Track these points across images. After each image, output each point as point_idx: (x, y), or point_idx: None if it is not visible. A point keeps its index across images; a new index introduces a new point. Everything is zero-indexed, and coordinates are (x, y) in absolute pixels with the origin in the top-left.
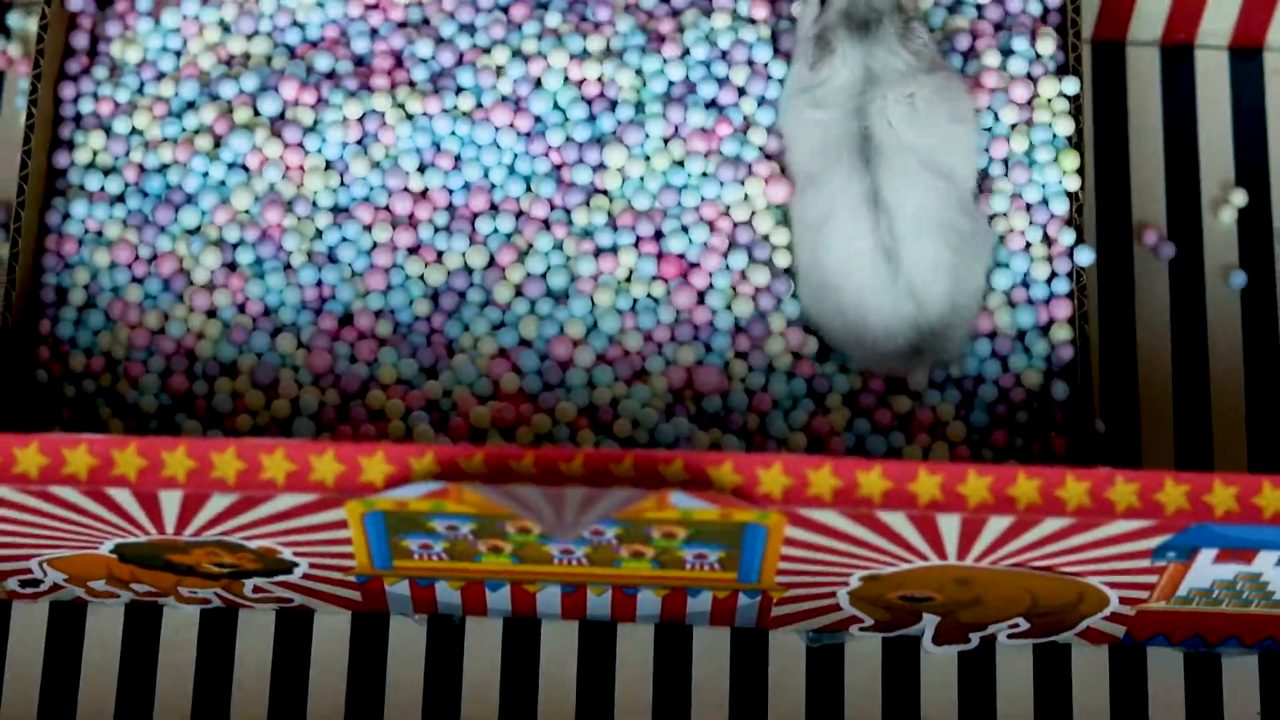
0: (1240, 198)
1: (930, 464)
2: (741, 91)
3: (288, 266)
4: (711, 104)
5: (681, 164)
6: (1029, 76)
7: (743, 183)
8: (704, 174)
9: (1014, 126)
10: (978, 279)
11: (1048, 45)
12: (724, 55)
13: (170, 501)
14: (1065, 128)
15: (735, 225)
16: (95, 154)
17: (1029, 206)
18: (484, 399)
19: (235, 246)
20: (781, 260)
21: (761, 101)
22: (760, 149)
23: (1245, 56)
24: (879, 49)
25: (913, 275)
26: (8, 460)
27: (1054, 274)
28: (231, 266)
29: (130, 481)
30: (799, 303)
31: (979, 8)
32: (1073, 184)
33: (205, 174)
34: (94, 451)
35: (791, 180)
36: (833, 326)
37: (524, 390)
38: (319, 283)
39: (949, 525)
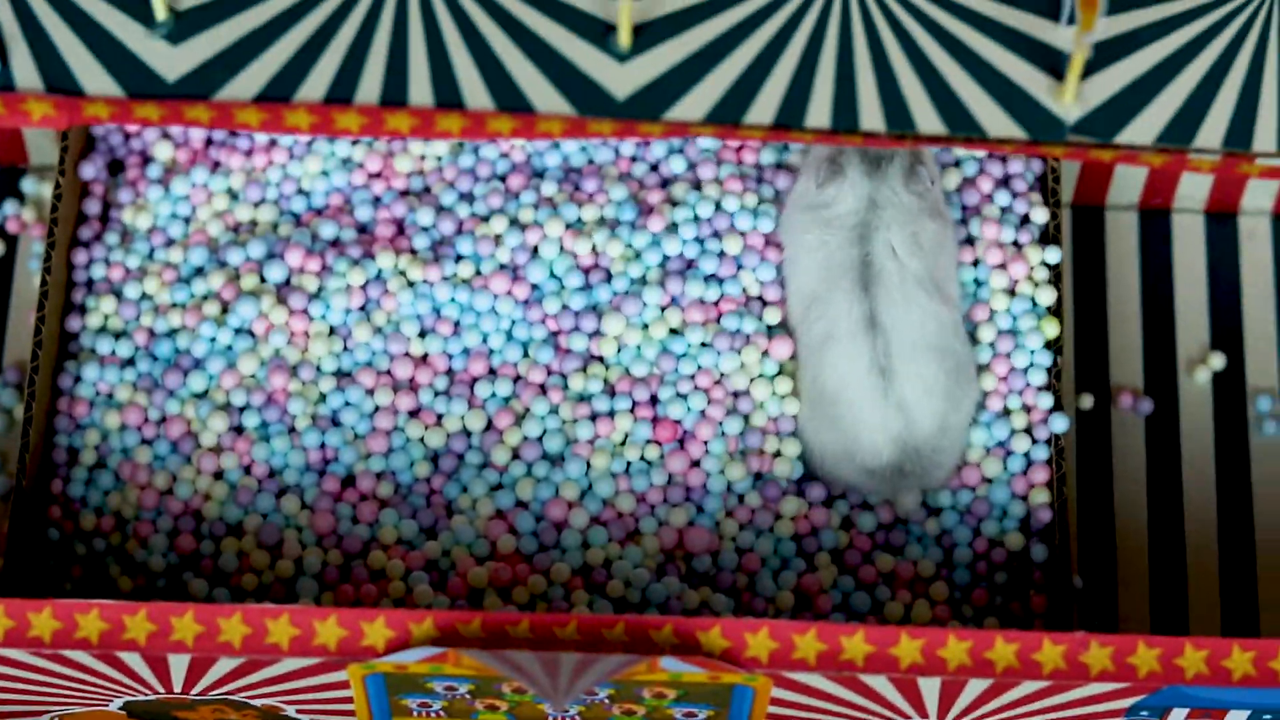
0: (1219, 360)
1: (911, 628)
2: (739, 264)
3: (292, 430)
4: (711, 277)
5: (679, 332)
6: (1015, 244)
7: (739, 351)
8: (702, 344)
9: (997, 291)
10: (968, 405)
11: (1040, 214)
12: (716, 233)
13: (179, 663)
14: (1047, 297)
15: (734, 394)
16: (106, 318)
17: (1010, 371)
18: (482, 559)
19: (241, 410)
20: (785, 426)
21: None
22: (759, 319)
23: (1221, 220)
24: (885, 185)
25: (904, 392)
26: (22, 624)
27: (1033, 439)
28: (238, 430)
29: (140, 645)
30: (798, 421)
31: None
32: (1045, 359)
33: (213, 339)
34: (105, 616)
35: (787, 297)
36: (825, 442)
37: (520, 551)
38: (322, 445)
39: (930, 687)
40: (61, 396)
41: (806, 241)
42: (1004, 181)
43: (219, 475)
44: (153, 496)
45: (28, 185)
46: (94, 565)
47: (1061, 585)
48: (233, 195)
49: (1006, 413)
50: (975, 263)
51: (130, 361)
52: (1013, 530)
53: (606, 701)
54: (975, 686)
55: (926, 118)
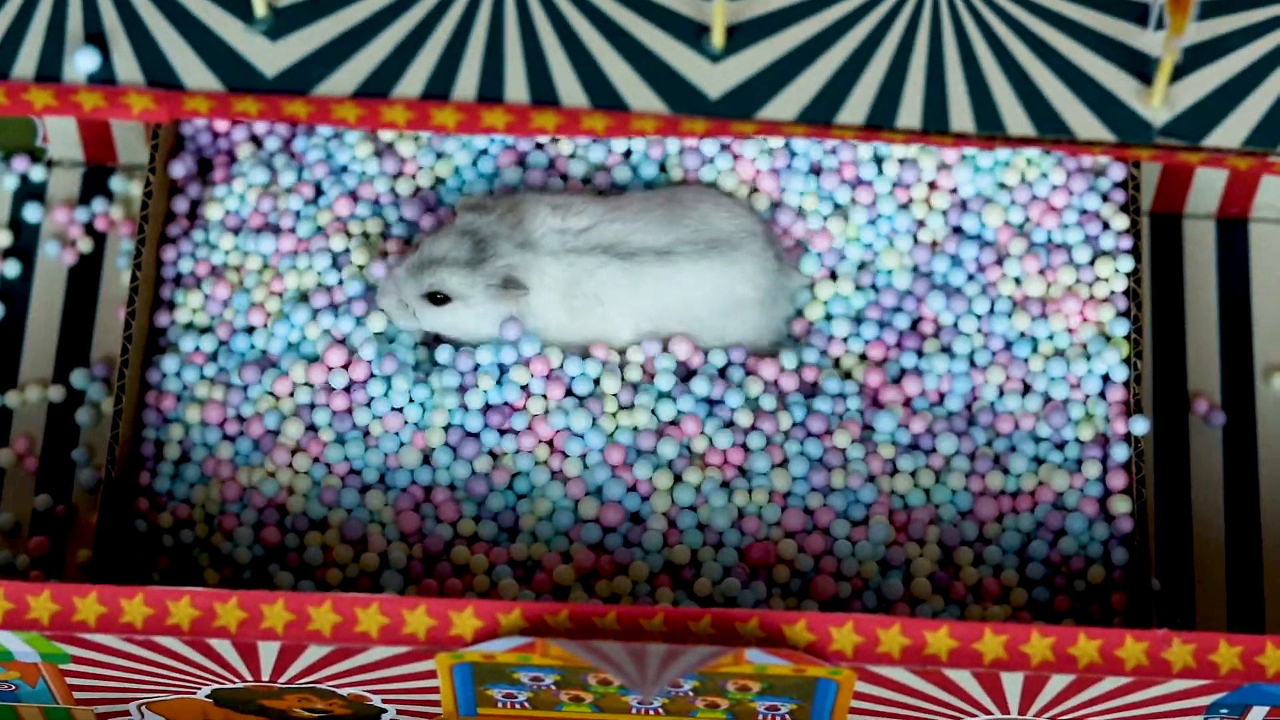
0: None
1: (995, 624)
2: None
3: (366, 433)
4: None
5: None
6: (1094, 251)
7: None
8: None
9: (1076, 298)
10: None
11: (1120, 221)
12: None
13: (268, 651)
14: (1124, 304)
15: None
16: (194, 313)
17: (1087, 374)
18: (566, 556)
19: (312, 408)
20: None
21: None
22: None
23: None
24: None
25: (721, 228)
26: (114, 610)
27: (1111, 444)
28: (313, 428)
29: (231, 633)
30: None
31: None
32: (1122, 366)
33: (290, 341)
34: (197, 604)
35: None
36: (757, 327)
37: (605, 546)
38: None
39: (1012, 682)
40: (149, 391)
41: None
42: (1084, 190)
43: (302, 470)
44: (236, 489)
45: (115, 183)
46: (181, 557)
47: (1141, 588)
48: (319, 191)
49: (1088, 417)
50: (1055, 276)
51: (214, 356)
52: (1093, 535)
53: (691, 694)
54: (1057, 682)
55: (1016, 119)
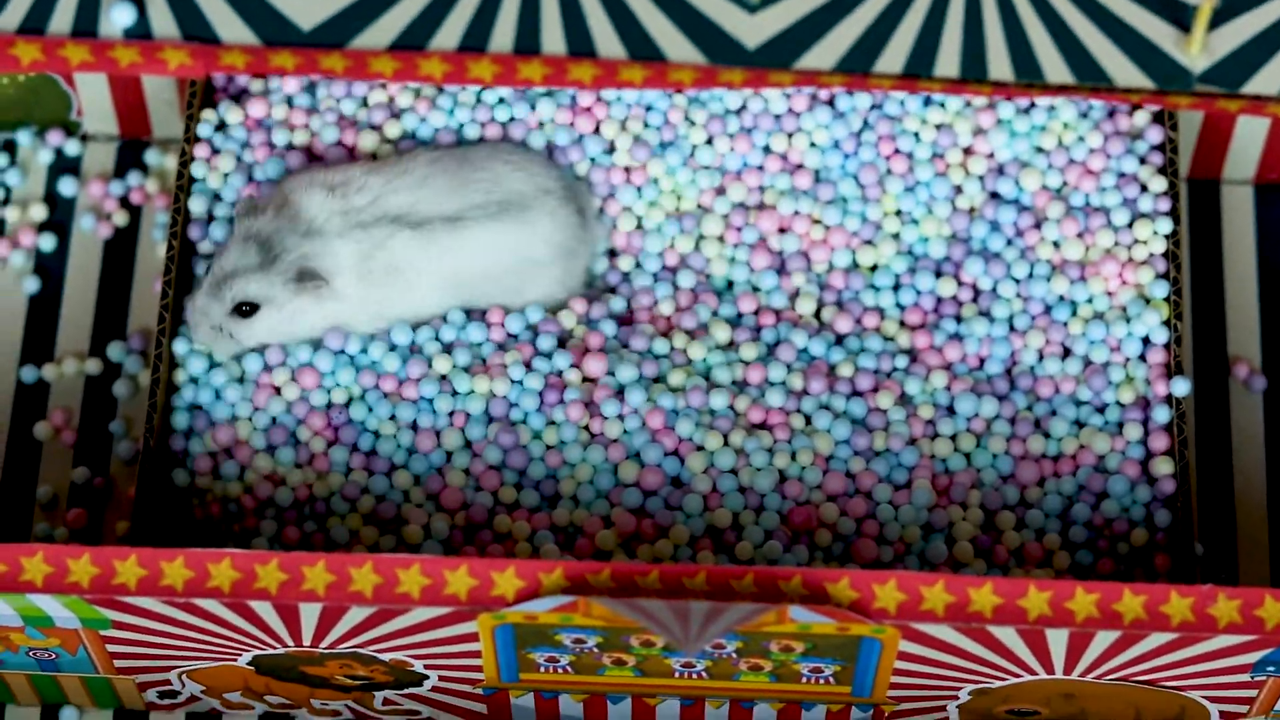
0: None
1: (1039, 580)
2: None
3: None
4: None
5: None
6: (1131, 218)
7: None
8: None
9: (1114, 261)
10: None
11: (1158, 184)
12: None
13: (309, 614)
14: (1163, 266)
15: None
16: None
17: (1127, 336)
18: (607, 521)
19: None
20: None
21: None
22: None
23: None
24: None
25: (515, 189)
26: (155, 573)
27: (1152, 406)
28: (345, 404)
29: (272, 595)
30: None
31: (1097, 144)
32: (1162, 330)
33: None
34: (237, 565)
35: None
36: (552, 281)
37: (646, 509)
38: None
39: (1057, 640)
40: (182, 362)
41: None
42: (1121, 153)
43: (334, 443)
44: (268, 462)
45: (150, 156)
46: (214, 531)
47: (1184, 551)
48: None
49: (1128, 380)
50: (1094, 239)
51: None
52: (1135, 497)
53: (734, 656)
54: (1103, 639)
55: (1054, 67)
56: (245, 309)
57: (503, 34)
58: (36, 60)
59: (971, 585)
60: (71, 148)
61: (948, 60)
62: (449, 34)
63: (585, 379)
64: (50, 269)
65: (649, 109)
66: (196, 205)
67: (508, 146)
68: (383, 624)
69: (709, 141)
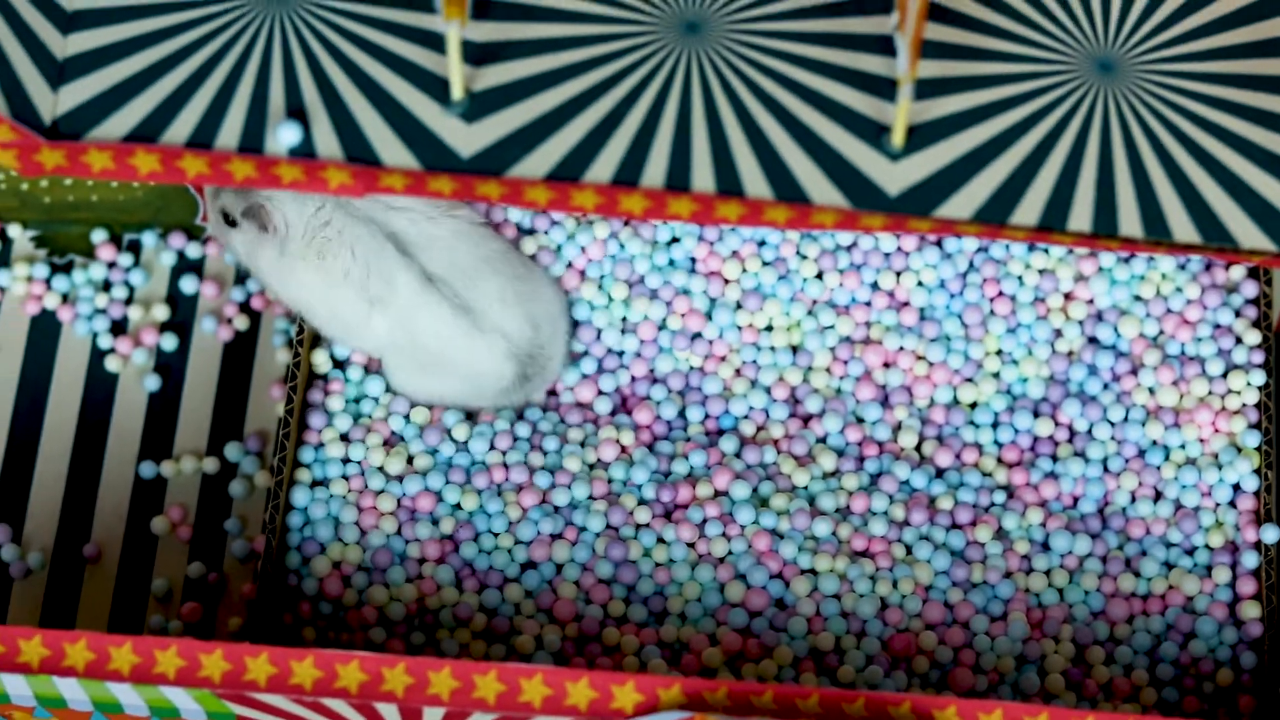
0: None
1: (1139, 716)
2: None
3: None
4: None
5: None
6: (1226, 369)
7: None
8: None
9: (1207, 411)
10: (548, 297)
11: (1253, 336)
12: None
13: (432, 717)
14: (1255, 417)
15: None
16: (346, 401)
17: (1218, 482)
18: (713, 639)
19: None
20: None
21: None
22: None
23: None
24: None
25: (490, 315)
26: (284, 671)
27: (1240, 551)
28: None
29: (398, 697)
30: (409, 390)
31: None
32: (1252, 482)
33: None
34: (365, 668)
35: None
36: (452, 391)
37: (752, 631)
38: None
39: None
40: (300, 468)
41: (313, 271)
42: (1217, 305)
43: (442, 560)
44: (381, 577)
45: None
46: (323, 638)
47: (1269, 693)
48: None
49: (1218, 525)
50: (1175, 382)
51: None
52: (1222, 639)
53: None
54: None
55: (1181, 226)
56: (228, 219)
57: (654, 170)
58: (249, 176)
59: (1072, 717)
60: (193, 250)
61: (1081, 215)
62: (603, 167)
63: (696, 499)
64: (171, 368)
65: (761, 244)
66: None
67: (551, 291)
68: None
69: (819, 276)
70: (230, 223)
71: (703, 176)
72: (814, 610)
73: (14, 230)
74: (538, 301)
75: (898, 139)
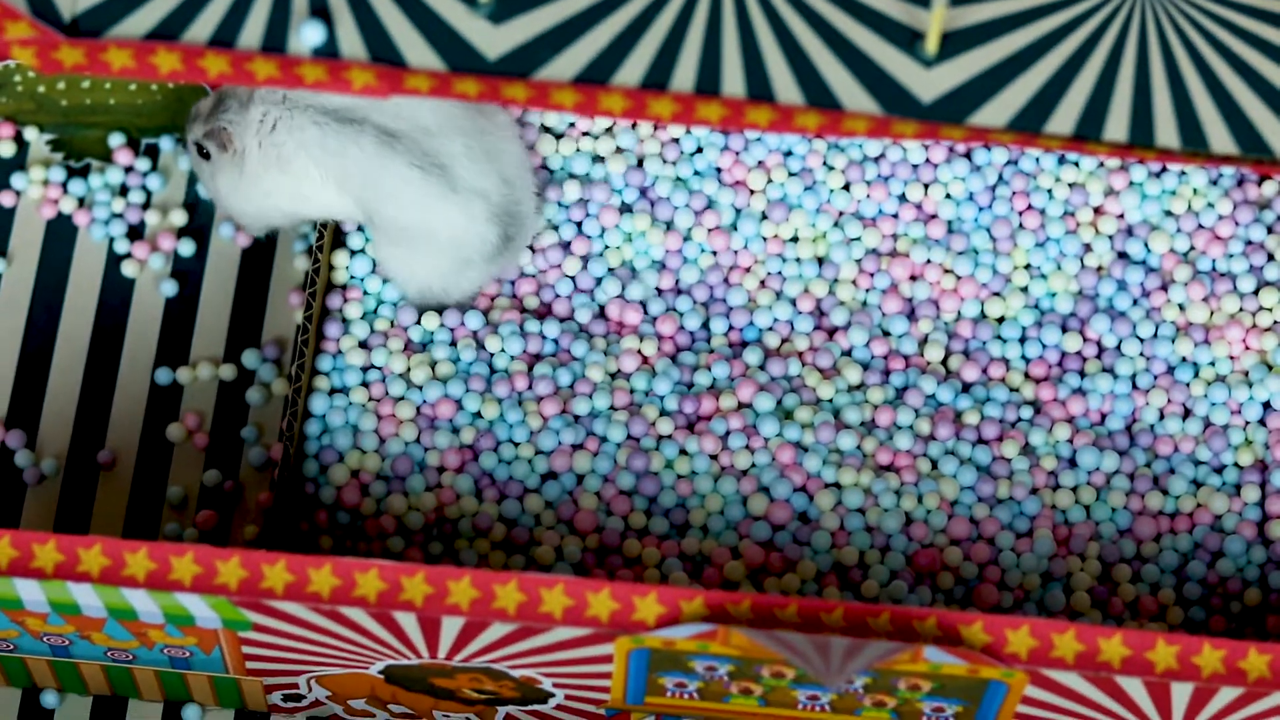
0: None
1: (1168, 634)
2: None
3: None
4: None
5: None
6: (1257, 285)
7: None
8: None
9: (1240, 327)
10: (513, 150)
11: None
12: None
13: (450, 627)
14: None
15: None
16: (365, 307)
17: (1248, 400)
18: (735, 552)
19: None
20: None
21: None
22: None
23: None
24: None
25: (461, 173)
26: (302, 580)
27: (1270, 470)
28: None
29: (417, 607)
30: (396, 279)
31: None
32: None
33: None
34: (384, 576)
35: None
36: (437, 268)
37: (774, 543)
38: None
39: (1181, 693)
40: (319, 375)
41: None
42: (1250, 220)
43: (462, 469)
44: (400, 484)
45: None
46: (339, 546)
47: None
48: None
49: (1248, 443)
50: (1206, 298)
51: (370, 347)
52: (1251, 558)
53: (860, 691)
54: (1225, 695)
55: (1219, 137)
56: (203, 150)
57: (684, 74)
58: (272, 75)
59: (1102, 635)
60: None
61: (1116, 125)
62: (631, 71)
63: (719, 409)
64: (188, 274)
65: (788, 154)
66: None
67: (514, 136)
68: (520, 641)
69: (846, 187)
70: (204, 155)
71: (733, 81)
72: (838, 524)
73: (30, 133)
74: (505, 155)
75: (931, 45)
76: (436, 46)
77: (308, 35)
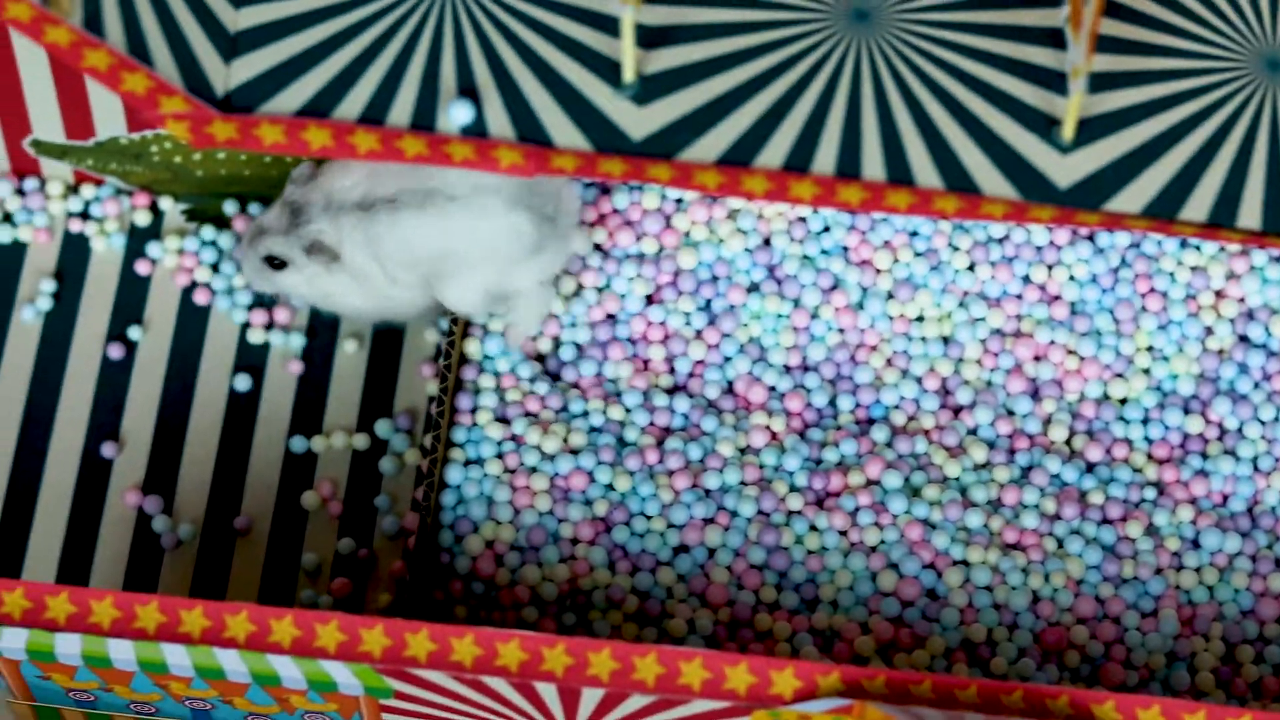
0: None
1: None
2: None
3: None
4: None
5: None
6: None
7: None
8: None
9: None
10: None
11: None
12: None
13: (590, 697)
14: None
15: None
16: (499, 377)
17: None
18: (865, 627)
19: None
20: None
21: None
22: None
23: None
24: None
25: (461, 184)
26: (444, 649)
27: None
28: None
29: (557, 677)
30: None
31: None
32: None
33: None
34: (525, 647)
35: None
36: (494, 281)
37: (903, 619)
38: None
39: None
40: (454, 447)
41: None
42: None
43: (594, 542)
44: (534, 556)
45: None
46: (474, 616)
47: None
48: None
49: None
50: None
51: (504, 419)
52: None
53: None
54: None
55: None
56: (275, 262)
57: (825, 157)
58: (373, 149)
59: (1230, 715)
60: None
61: (1249, 212)
62: (773, 153)
63: (848, 487)
64: (322, 343)
65: (914, 234)
66: None
67: None
68: (658, 713)
69: (971, 268)
70: (277, 265)
71: (872, 165)
72: (966, 601)
73: (165, 203)
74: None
75: (1068, 132)
76: (582, 127)
77: (457, 114)
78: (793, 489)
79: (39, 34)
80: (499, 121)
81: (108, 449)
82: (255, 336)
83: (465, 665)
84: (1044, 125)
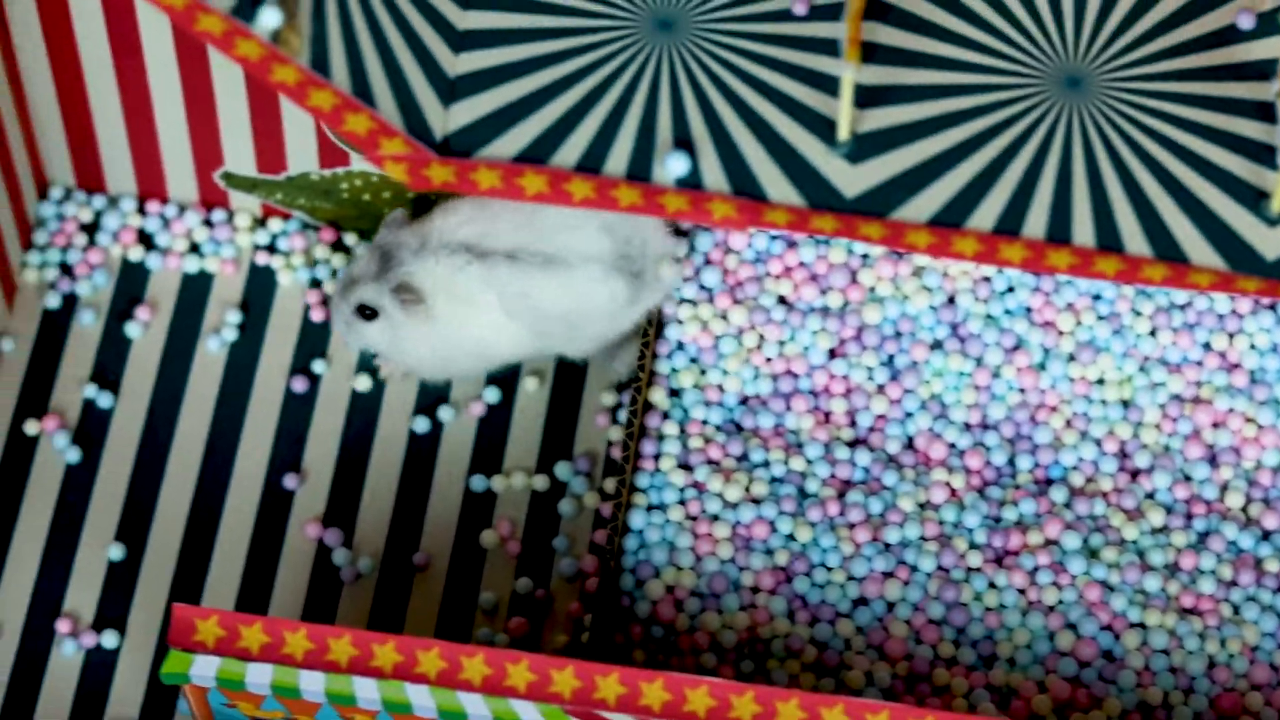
0: None
1: None
2: None
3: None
4: None
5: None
6: None
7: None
8: None
9: None
10: None
11: None
12: None
13: None
14: None
15: None
16: (685, 414)
17: None
18: (1041, 685)
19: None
20: None
21: None
22: None
23: None
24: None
25: (567, 247)
26: (634, 692)
27: None
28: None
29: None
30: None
31: None
32: None
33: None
34: (714, 693)
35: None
36: (594, 338)
37: (1080, 679)
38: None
39: None
40: (637, 492)
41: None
42: None
43: (775, 590)
44: (713, 603)
45: None
46: (651, 661)
47: None
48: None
49: None
50: None
51: (687, 466)
52: None
53: None
54: None
55: None
56: (366, 312)
57: (1036, 221)
58: (588, 198)
59: None
60: None
61: None
62: (985, 215)
63: (1027, 546)
64: (504, 385)
65: (1097, 298)
66: (662, 346)
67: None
68: None
69: (1153, 333)
70: (368, 315)
71: (1082, 230)
72: (1143, 664)
73: (350, 238)
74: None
75: (1277, 205)
76: (796, 182)
77: (673, 166)
78: (972, 546)
79: (267, 72)
80: (714, 174)
81: (289, 480)
82: None
83: (654, 710)
84: (1252, 198)
